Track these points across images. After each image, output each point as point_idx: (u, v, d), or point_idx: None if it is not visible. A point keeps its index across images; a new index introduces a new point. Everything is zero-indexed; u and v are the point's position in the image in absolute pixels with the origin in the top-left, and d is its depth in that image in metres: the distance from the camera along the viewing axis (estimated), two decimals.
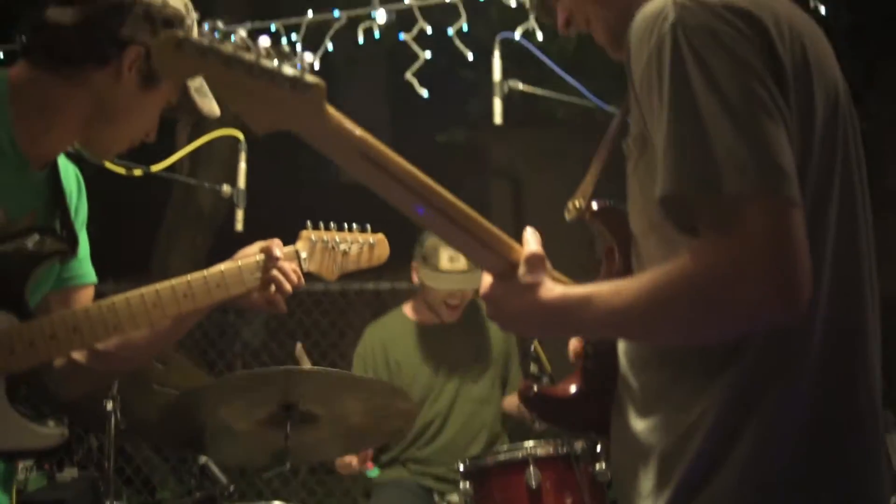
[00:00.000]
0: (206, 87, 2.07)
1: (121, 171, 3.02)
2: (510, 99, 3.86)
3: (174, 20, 1.94)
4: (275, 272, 2.10)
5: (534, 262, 1.47)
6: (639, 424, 1.48)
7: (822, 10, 3.60)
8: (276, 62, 1.24)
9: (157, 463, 6.39)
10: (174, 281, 1.99)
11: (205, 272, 2.04)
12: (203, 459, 3.49)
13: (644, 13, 1.41)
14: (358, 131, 1.35)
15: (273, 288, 2.11)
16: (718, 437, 1.37)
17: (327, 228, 2.28)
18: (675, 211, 1.34)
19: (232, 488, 3.42)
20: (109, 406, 3.00)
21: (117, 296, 1.94)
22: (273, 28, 3.90)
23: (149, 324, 1.96)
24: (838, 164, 1.44)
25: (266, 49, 1.24)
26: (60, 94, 1.92)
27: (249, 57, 1.22)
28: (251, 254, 2.12)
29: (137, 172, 3.06)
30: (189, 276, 2.01)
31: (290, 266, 2.13)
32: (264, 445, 2.93)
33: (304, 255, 2.21)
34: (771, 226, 1.25)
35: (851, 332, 1.44)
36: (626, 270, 1.60)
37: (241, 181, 3.74)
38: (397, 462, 4.06)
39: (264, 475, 2.96)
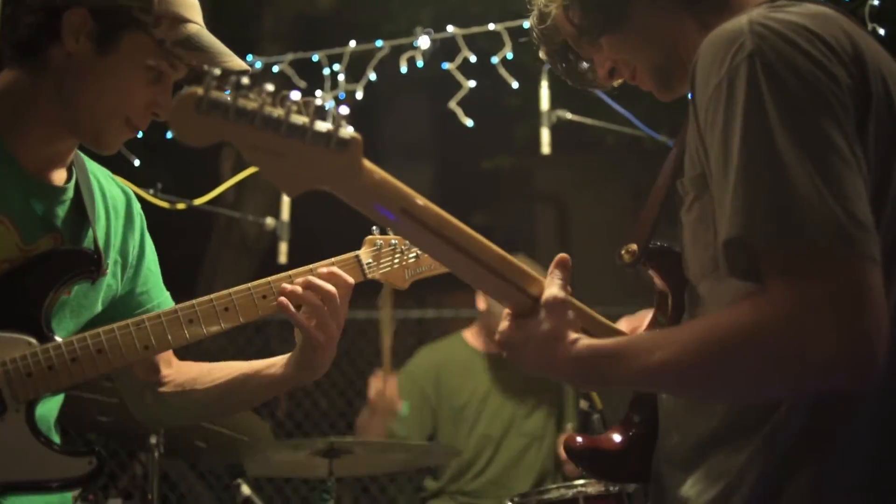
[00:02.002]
0: (198, 37, 1.80)
1: (164, 205, 3.01)
2: (557, 125, 3.81)
3: None
4: (291, 287, 1.83)
5: (554, 306, 1.39)
6: (681, 478, 1.41)
7: (881, 31, 3.51)
8: (306, 118, 1.15)
9: (202, 490, 6.39)
10: (216, 294, 1.85)
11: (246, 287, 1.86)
12: (247, 492, 3.48)
13: (716, 37, 1.34)
14: (399, 185, 1.28)
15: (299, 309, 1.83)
16: (759, 498, 1.30)
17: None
18: (736, 255, 1.26)
19: None
20: (153, 440, 2.99)
21: (150, 313, 1.84)
22: (316, 58, 3.89)
23: (185, 340, 1.82)
24: None
25: (296, 103, 1.15)
26: (29, 87, 1.80)
27: (278, 113, 1.13)
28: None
29: (181, 206, 3.05)
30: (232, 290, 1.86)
31: (322, 277, 1.84)
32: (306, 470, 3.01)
33: (367, 261, 1.95)
34: (851, 280, 1.17)
35: None
36: (677, 319, 1.53)
37: (285, 214, 3.73)
38: (444, 493, 4.03)
39: None
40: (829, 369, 1.18)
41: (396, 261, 1.99)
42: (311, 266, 1.89)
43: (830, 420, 1.29)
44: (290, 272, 1.88)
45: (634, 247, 1.58)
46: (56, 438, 1.90)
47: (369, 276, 1.95)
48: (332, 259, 1.92)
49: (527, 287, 1.41)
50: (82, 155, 1.98)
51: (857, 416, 1.30)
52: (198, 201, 3.17)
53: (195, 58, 1.80)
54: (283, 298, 1.83)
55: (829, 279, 1.18)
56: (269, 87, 1.14)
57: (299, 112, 1.15)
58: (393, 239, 1.99)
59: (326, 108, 1.17)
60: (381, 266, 1.97)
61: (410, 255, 2.00)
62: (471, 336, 4.20)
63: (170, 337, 1.81)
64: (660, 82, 1.60)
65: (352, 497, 6.64)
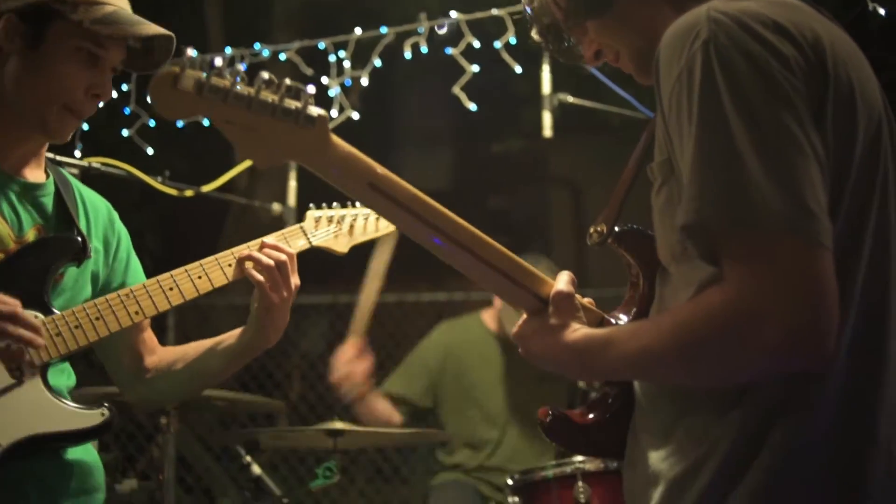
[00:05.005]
0: (115, 14, 1.99)
1: (173, 192, 3.08)
2: (564, 108, 3.85)
3: None
4: (249, 251, 2.11)
5: (560, 301, 1.51)
6: (652, 452, 1.46)
7: (882, 11, 3.49)
8: (276, 96, 1.25)
9: (218, 473, 6.49)
10: (190, 264, 2.11)
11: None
12: (257, 472, 3.55)
13: (676, 28, 1.37)
14: (366, 160, 1.35)
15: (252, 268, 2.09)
16: (728, 470, 1.34)
17: (330, 207, 2.34)
18: (696, 240, 1.31)
19: (285, 501, 3.47)
20: (164, 420, 3.05)
21: (135, 284, 2.07)
22: (322, 46, 3.94)
23: (168, 305, 2.06)
24: (877, 193, 1.39)
25: (265, 82, 1.24)
26: None
27: (248, 91, 1.23)
28: None
29: (189, 193, 3.12)
30: (197, 263, 2.12)
31: (270, 247, 2.12)
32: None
33: (310, 230, 2.28)
34: (800, 266, 1.22)
35: (876, 364, 1.37)
36: (651, 299, 1.57)
37: (292, 199, 3.79)
38: (457, 470, 4.08)
39: (312, 485, 3.02)
40: (782, 353, 1.22)
41: (333, 229, 2.32)
42: (262, 238, 2.17)
43: (801, 390, 1.33)
44: (248, 244, 2.15)
45: (603, 227, 1.63)
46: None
47: (313, 244, 2.27)
48: (282, 231, 2.25)
49: (532, 286, 1.51)
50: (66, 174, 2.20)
51: (824, 387, 1.33)
52: (206, 188, 3.22)
53: (112, 30, 1.98)
54: (247, 262, 2.10)
55: (778, 266, 1.22)
56: (240, 68, 1.26)
57: (271, 91, 1.24)
58: (330, 211, 2.31)
59: (297, 89, 1.27)
60: (320, 235, 2.29)
61: (347, 223, 2.33)
62: (488, 318, 4.22)
63: (154, 302, 2.06)
64: (639, 66, 1.64)
65: (365, 477, 6.73)
